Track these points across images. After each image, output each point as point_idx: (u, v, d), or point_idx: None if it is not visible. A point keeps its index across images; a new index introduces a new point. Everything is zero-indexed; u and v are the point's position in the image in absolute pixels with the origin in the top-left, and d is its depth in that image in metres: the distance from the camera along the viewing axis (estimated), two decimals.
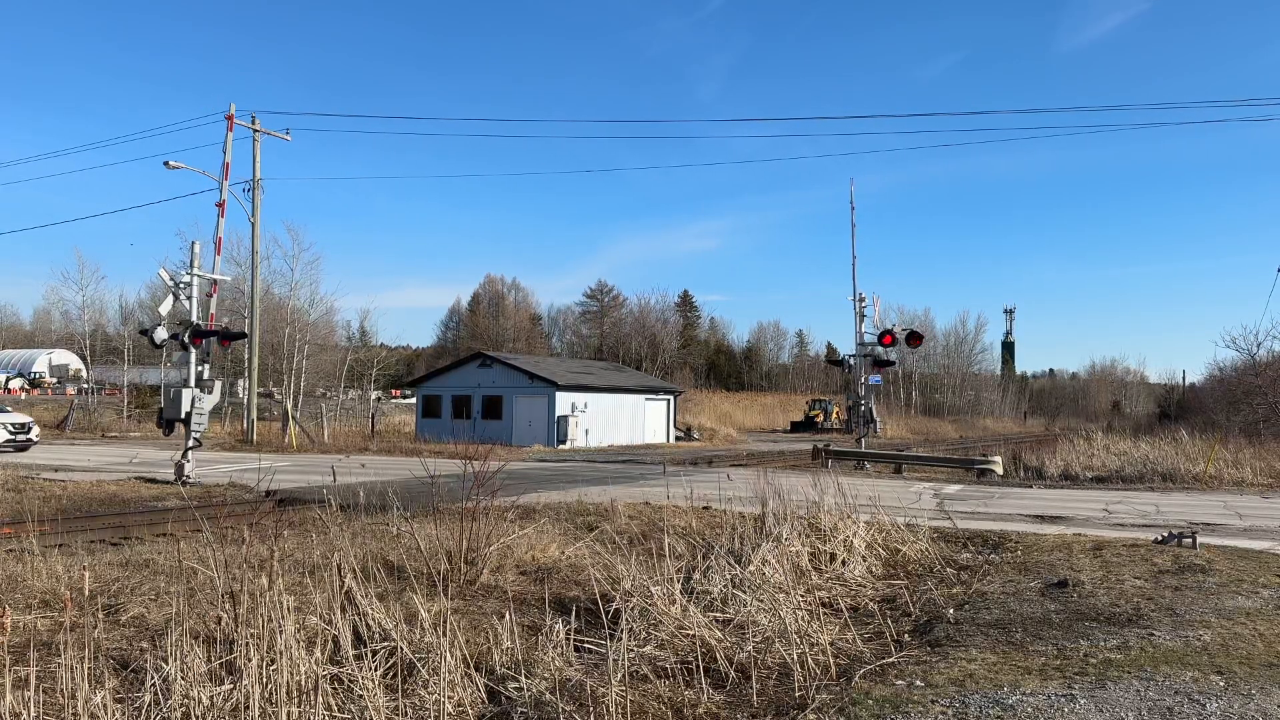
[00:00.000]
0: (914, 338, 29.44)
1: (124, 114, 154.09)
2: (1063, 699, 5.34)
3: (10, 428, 28.88)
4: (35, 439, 30.05)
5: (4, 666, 4.82)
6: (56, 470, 22.68)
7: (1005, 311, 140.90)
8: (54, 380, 71.33)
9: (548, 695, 5.35)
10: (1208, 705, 5.25)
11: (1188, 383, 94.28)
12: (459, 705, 5.26)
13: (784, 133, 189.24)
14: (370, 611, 6.48)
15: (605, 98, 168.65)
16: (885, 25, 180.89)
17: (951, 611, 7.80)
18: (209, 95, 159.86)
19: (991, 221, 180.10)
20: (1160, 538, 11.61)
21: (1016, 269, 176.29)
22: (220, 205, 24.34)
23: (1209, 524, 14.20)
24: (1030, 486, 22.29)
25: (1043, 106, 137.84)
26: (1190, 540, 11.18)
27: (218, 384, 21.03)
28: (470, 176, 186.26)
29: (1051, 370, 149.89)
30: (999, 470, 25.39)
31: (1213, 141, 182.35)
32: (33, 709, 4.66)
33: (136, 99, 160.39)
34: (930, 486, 21.42)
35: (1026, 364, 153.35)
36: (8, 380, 69.07)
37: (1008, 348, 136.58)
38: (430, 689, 5.27)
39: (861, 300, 28.94)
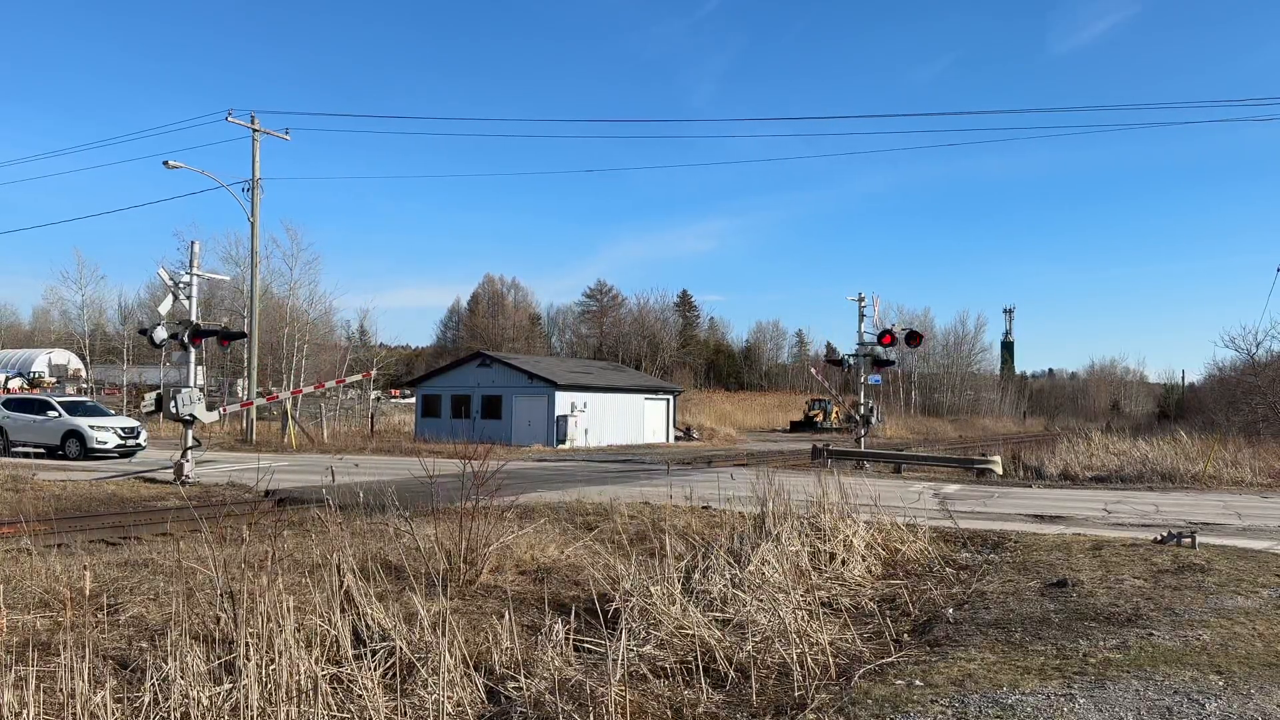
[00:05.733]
0: (913, 337, 29.45)
1: (122, 114, 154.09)
2: (1062, 699, 5.35)
3: (120, 432, 28.51)
4: (144, 444, 29.35)
5: (4, 666, 4.82)
6: (55, 469, 22.68)
7: (1005, 311, 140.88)
8: (54, 380, 71.26)
9: (547, 695, 5.35)
10: (1207, 705, 5.25)
11: (1187, 383, 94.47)
12: (458, 705, 5.26)
13: (781, 133, 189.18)
14: (370, 611, 6.49)
15: (602, 100, 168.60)
16: (878, 28, 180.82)
17: (951, 611, 7.80)
18: (207, 95, 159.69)
19: (991, 221, 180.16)
20: (1159, 537, 11.62)
21: (1016, 269, 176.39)
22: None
23: (1208, 524, 14.21)
24: (1029, 486, 22.29)
25: (1039, 107, 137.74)
26: (1189, 540, 11.19)
27: (218, 410, 21.24)
28: (470, 176, 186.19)
29: (1051, 370, 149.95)
30: (998, 470, 25.40)
31: (1211, 141, 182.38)
32: (33, 708, 4.66)
33: (134, 99, 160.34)
34: (930, 486, 21.42)
35: (1026, 364, 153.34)
36: (7, 380, 69.01)
37: (1007, 347, 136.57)
38: (430, 689, 5.27)
39: (861, 300, 28.96)
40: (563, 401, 43.33)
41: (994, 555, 10.84)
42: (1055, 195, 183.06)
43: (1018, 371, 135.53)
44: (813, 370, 71.78)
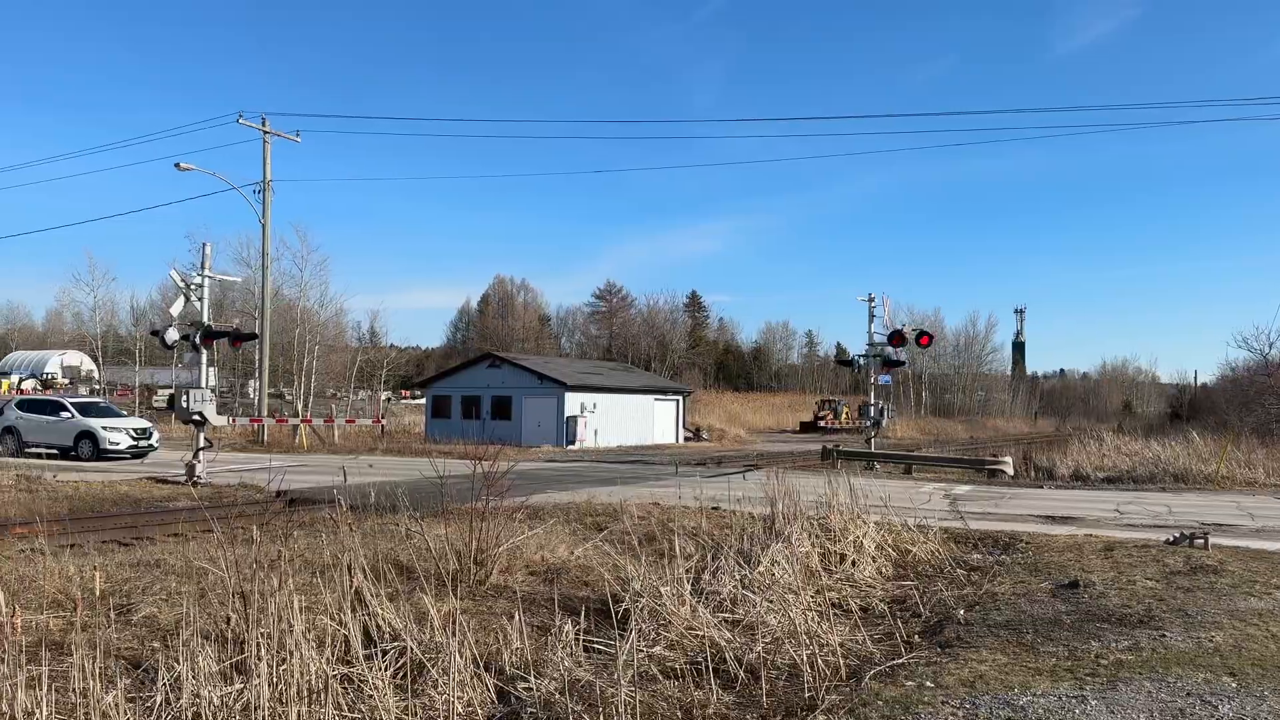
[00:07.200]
0: (924, 337, 29.38)
1: (133, 116, 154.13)
2: (1074, 700, 5.32)
3: (133, 433, 28.59)
4: (157, 445, 29.32)
5: (17, 666, 4.85)
6: (68, 470, 22.80)
7: (1016, 311, 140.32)
8: (66, 381, 71.70)
9: (557, 696, 5.36)
10: (1220, 707, 5.22)
11: (1199, 383, 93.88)
12: (468, 705, 5.27)
13: (788, 133, 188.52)
14: (380, 611, 6.50)
15: (608, 102, 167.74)
16: (879, 29, 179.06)
17: (962, 612, 7.78)
18: (217, 97, 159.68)
19: (1001, 221, 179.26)
20: (1172, 538, 11.56)
21: (1027, 269, 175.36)
22: None
23: (1221, 525, 14.14)
24: (1041, 487, 22.21)
25: (1049, 107, 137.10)
26: (1202, 541, 11.13)
27: (224, 419, 21.43)
28: (479, 177, 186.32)
29: (1062, 370, 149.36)
30: (1009, 471, 25.31)
31: (1223, 140, 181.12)
32: (45, 708, 4.68)
33: (145, 102, 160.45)
34: (940, 487, 21.36)
35: (1037, 364, 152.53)
36: (20, 381, 69.44)
37: (1018, 348, 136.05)
38: (440, 689, 5.28)
39: (871, 300, 28.90)
40: (572, 402, 43.35)
41: (1005, 556, 10.81)
42: (1066, 195, 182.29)
43: (1029, 372, 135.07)
44: (820, 418, 71.87)
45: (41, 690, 4.73)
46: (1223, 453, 25.27)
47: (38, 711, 4.68)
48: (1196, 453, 26.55)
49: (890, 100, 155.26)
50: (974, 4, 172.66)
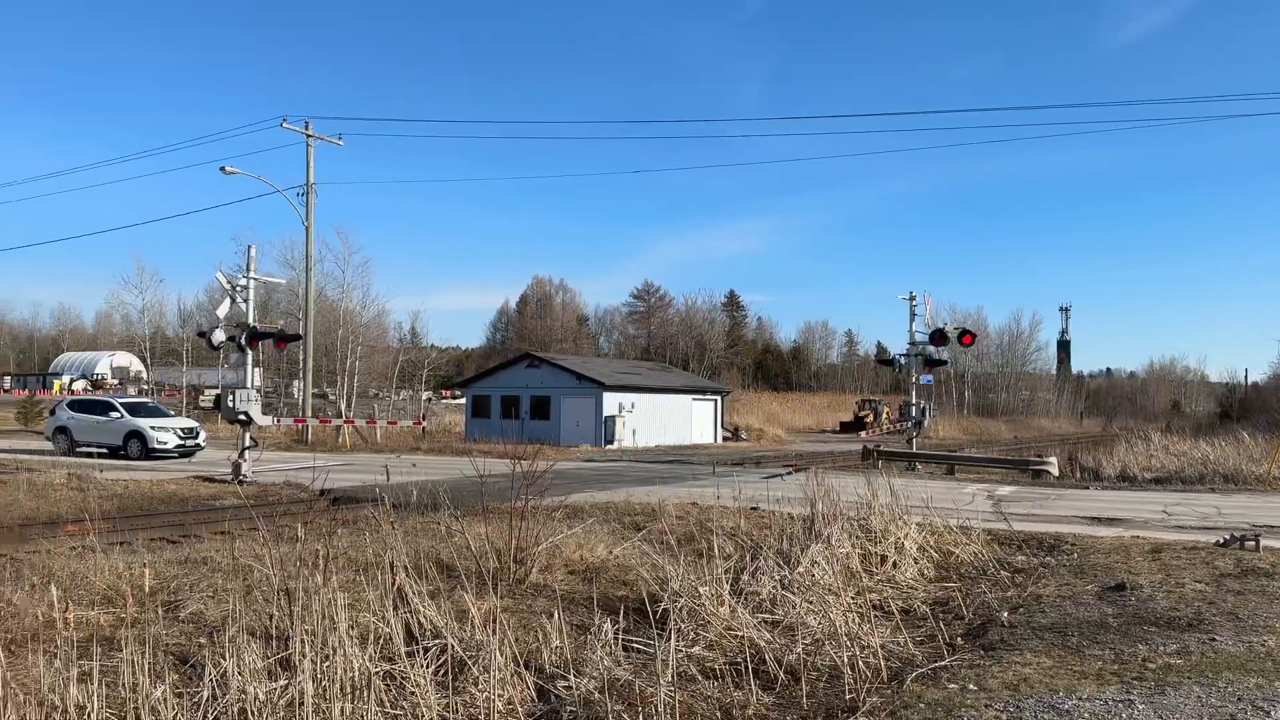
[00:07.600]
0: (966, 336, 29.06)
1: (138, 117, 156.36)
2: (1120, 704, 5.24)
3: (180, 432, 29.10)
4: (204, 445, 29.76)
5: (70, 661, 4.96)
6: (118, 469, 23.26)
7: (1061, 309, 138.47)
8: (115, 381, 73.28)
9: (596, 694, 5.37)
10: (1273, 712, 5.10)
11: (1250, 381, 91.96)
12: (509, 703, 5.30)
13: (823, 130, 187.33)
14: (422, 609, 6.56)
15: (648, 103, 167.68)
16: (919, 27, 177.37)
17: (1005, 614, 7.68)
18: (260, 101, 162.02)
19: (1046, 218, 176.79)
20: (1222, 540, 11.33)
21: (1073, 266, 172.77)
22: None
23: (1273, 527, 13.82)
24: (1087, 488, 21.86)
25: (1089, 102, 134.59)
26: (1253, 543, 10.90)
27: (269, 418, 21.79)
28: (518, 179, 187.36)
29: (1109, 369, 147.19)
30: (1054, 471, 24.95)
31: (1274, 132, 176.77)
32: (96, 702, 4.79)
33: (146, 103, 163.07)
34: (983, 488, 21.10)
35: (1083, 363, 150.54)
36: (71, 382, 71.06)
37: (1063, 346, 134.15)
38: (481, 687, 5.32)
39: (912, 298, 28.63)
40: (610, 402, 43.43)
41: (1050, 558, 10.66)
42: (1113, 190, 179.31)
43: (1074, 371, 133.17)
44: (860, 418, 71.17)
45: (93, 684, 4.84)
46: (1274, 453, 24.70)
47: (89, 705, 4.79)
48: (1247, 453, 25.99)
49: (933, 99, 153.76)
50: (1018, 1, 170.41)
